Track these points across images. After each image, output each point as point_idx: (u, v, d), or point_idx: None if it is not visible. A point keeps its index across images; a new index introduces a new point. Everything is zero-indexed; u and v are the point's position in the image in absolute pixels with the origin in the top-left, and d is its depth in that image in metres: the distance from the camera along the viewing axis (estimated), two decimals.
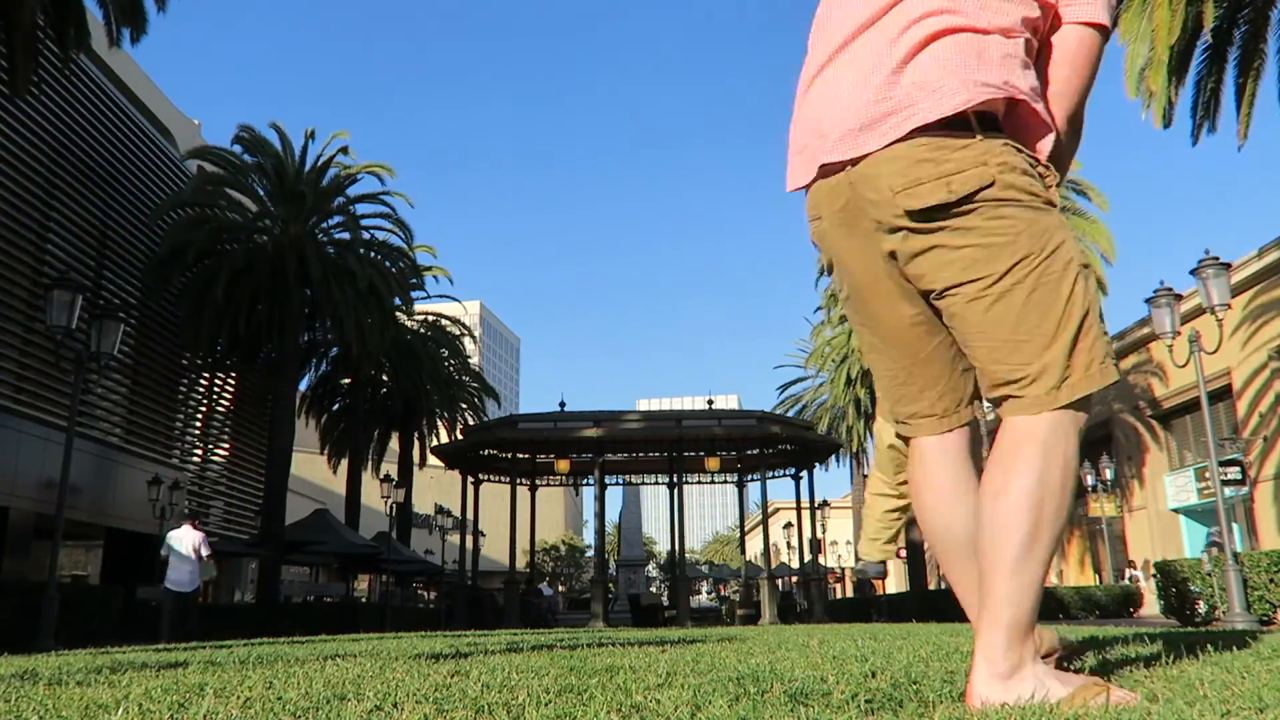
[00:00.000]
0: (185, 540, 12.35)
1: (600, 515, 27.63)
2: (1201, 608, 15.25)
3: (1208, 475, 21.84)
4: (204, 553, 12.54)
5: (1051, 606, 22.69)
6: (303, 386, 29.82)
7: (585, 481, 32.36)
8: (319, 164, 25.15)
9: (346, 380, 31.76)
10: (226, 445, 29.22)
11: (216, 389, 28.47)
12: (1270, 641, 5.75)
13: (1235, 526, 23.06)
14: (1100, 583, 27.71)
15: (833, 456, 37.58)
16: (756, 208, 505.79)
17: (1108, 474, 26.76)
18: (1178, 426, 27.65)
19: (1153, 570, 17.11)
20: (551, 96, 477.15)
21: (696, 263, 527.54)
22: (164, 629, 12.10)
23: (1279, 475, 22.43)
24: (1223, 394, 23.76)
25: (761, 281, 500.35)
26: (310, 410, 31.89)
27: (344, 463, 32.45)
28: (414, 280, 27.69)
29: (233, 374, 28.60)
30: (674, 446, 27.23)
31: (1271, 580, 13.17)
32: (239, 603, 26.55)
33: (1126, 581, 25.80)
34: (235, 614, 21.13)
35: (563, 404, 27.28)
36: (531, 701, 2.72)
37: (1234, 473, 21.81)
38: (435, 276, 32.24)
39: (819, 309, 36.63)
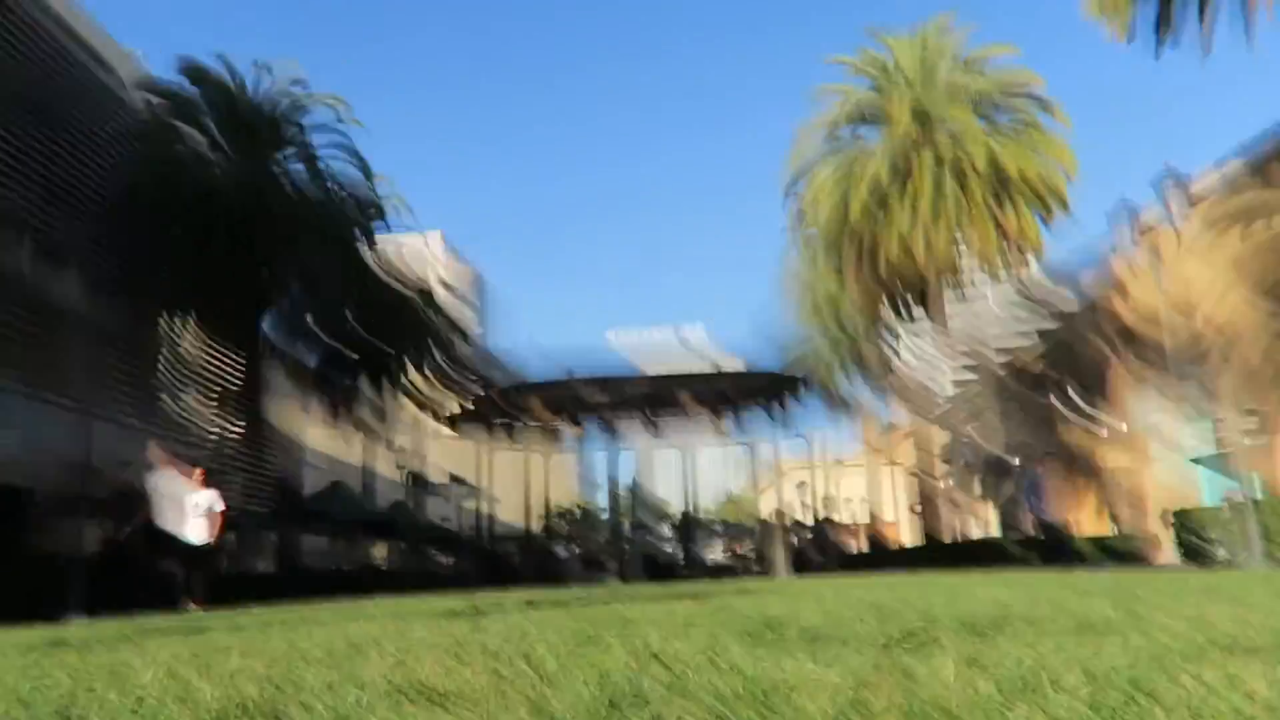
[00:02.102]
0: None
1: (613, 478, 27.79)
2: (1221, 554, 15.27)
3: (1224, 425, 21.72)
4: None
5: (1063, 553, 22.75)
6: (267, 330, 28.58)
7: (598, 447, 32.43)
8: (270, 95, 24.01)
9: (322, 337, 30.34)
10: (242, 425, 28.96)
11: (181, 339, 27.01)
12: None
13: (1254, 475, 23.01)
14: (1117, 531, 27.72)
15: (843, 410, 37.17)
16: (721, 131, 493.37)
17: (1120, 425, 26.64)
18: (1185, 374, 27.45)
19: (1171, 518, 17.11)
20: (505, 12, 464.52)
21: (659, 190, 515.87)
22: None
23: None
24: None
25: (728, 209, 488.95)
26: (315, 386, 31.34)
27: (358, 438, 32.11)
28: (374, 209, 26.56)
29: (189, 316, 27.06)
30: (667, 402, 27.18)
31: None
32: (261, 572, 26.82)
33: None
34: (258, 582, 21.38)
35: (570, 371, 27.24)
36: (550, 652, 2.75)
37: (1253, 421, 21.70)
38: (395, 205, 30.96)
39: (785, 229, 35.09)
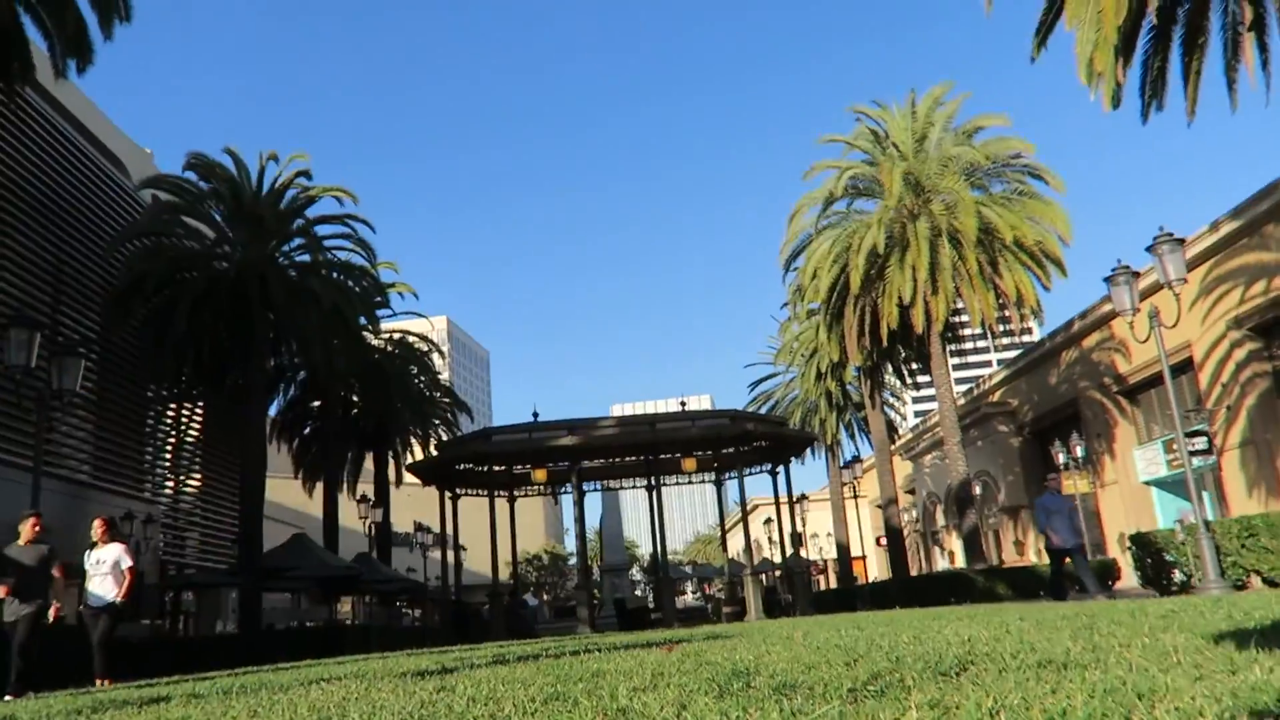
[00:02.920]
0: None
1: (580, 522, 27.59)
2: (1177, 576, 15.50)
3: (1175, 447, 22.20)
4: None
5: (1032, 585, 22.95)
6: (272, 411, 29.51)
7: (564, 490, 32.31)
8: (277, 186, 24.91)
9: (317, 403, 31.45)
10: (199, 476, 28.82)
11: (184, 419, 28.09)
12: (1243, 605, 5.87)
13: (1205, 495, 23.47)
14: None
15: (808, 449, 37.81)
16: (720, 210, 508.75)
17: (1078, 451, 27.10)
18: (1144, 401, 28.06)
19: (1128, 543, 17.37)
20: (514, 106, 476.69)
21: (663, 268, 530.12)
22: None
23: (1244, 443, 22.82)
24: (1185, 366, 24.15)
25: (728, 282, 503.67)
26: (282, 435, 31.55)
27: (319, 486, 32.15)
28: (379, 299, 27.46)
29: (200, 403, 28.23)
30: (650, 450, 27.24)
31: (1243, 546, 13.42)
32: (221, 633, 26.18)
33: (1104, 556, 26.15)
34: (218, 645, 20.88)
35: (536, 414, 27.21)
36: (517, 711, 2.73)
37: (1200, 443, 22.21)
38: (400, 293, 32.02)
39: (785, 305, 36.82)
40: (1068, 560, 14.29)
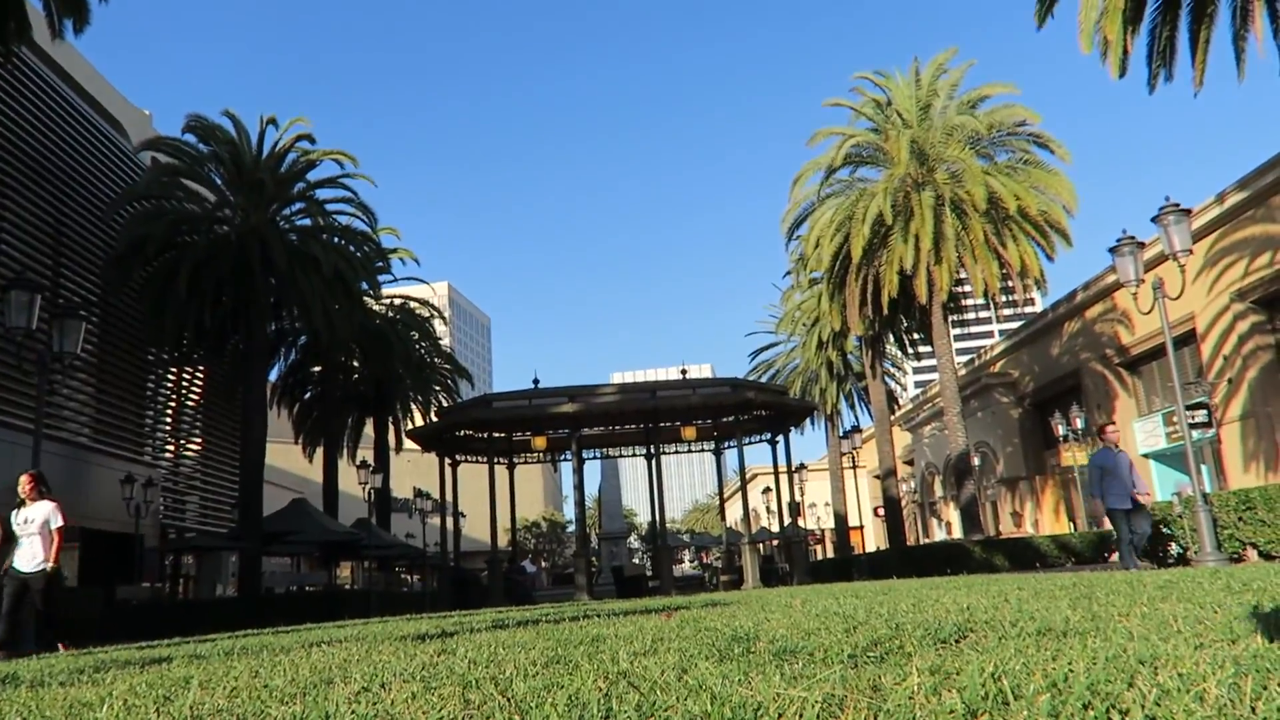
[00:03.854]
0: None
1: (579, 489, 27.66)
2: (1174, 549, 15.56)
3: (1175, 420, 22.22)
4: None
5: (1029, 556, 23.07)
6: (272, 376, 29.52)
7: (563, 457, 32.39)
8: (277, 150, 24.74)
9: (317, 368, 31.47)
10: (199, 440, 28.90)
11: (185, 383, 28.13)
12: (1240, 577, 5.88)
13: (1203, 468, 23.52)
14: (1075, 530, 28.19)
15: (808, 419, 37.87)
16: (723, 177, 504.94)
17: (1078, 423, 27.14)
18: (1145, 373, 28.06)
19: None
20: (514, 71, 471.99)
21: (665, 234, 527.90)
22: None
23: (1244, 416, 22.84)
24: (1187, 339, 24.11)
25: (730, 250, 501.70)
26: (282, 400, 31.59)
27: (319, 451, 32.24)
28: (380, 264, 27.39)
29: (200, 367, 28.24)
30: (650, 417, 27.26)
31: (1240, 519, 13.47)
32: (221, 597, 26.38)
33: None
34: (218, 608, 21.05)
35: (536, 381, 27.20)
36: (519, 674, 2.73)
37: (1200, 416, 22.20)
38: (401, 259, 31.93)
39: (787, 274, 36.70)
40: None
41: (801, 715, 1.65)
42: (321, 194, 25.36)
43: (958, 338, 36.31)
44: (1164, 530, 15.91)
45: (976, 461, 33.80)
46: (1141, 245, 14.34)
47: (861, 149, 26.94)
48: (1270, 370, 21.96)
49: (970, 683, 1.86)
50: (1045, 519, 33.57)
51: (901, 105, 26.51)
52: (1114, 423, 13.59)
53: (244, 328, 23.63)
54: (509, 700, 2.11)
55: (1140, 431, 27.90)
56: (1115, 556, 21.00)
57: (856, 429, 39.31)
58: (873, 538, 52.25)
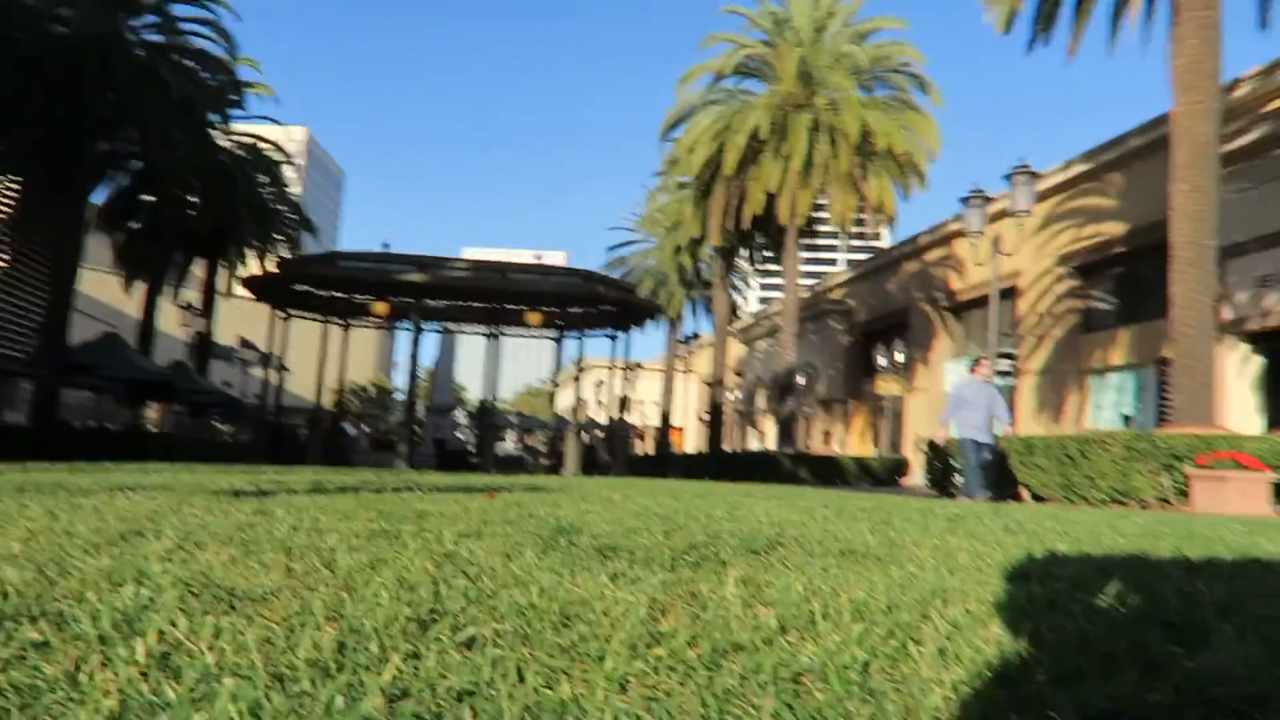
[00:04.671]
0: None
1: (414, 360, 27.24)
2: (958, 480, 17.02)
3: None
4: None
5: (832, 472, 24.62)
6: (100, 201, 27.16)
7: (401, 325, 31.67)
8: None
9: (150, 198, 29.16)
10: (6, 257, 26.41)
11: None
12: (1015, 515, 6.50)
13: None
14: (878, 454, 30.28)
15: (650, 320, 38.54)
16: (605, 74, 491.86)
17: (899, 356, 28.83)
18: (966, 319, 29.98)
19: (923, 446, 18.84)
20: None
21: (539, 117, 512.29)
22: None
23: (1043, 371, 24.89)
24: (1009, 293, 25.86)
25: (598, 142, 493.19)
26: (107, 225, 29.19)
27: (141, 287, 30.19)
28: (234, 97, 25.31)
29: (15, 180, 25.60)
30: (497, 298, 26.96)
31: (1022, 462, 14.84)
32: (12, 424, 24.62)
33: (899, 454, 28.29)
34: (4, 435, 19.67)
35: (386, 245, 26.31)
36: (344, 545, 2.71)
37: (1006, 364, 24.06)
38: (259, 95, 29.64)
39: (658, 174, 36.61)
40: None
41: (626, 617, 1.72)
42: (178, 10, 23.07)
43: (805, 261, 37.53)
44: (953, 464, 17.34)
45: (801, 381, 35.49)
46: (988, 200, 15.14)
47: (751, 61, 26.88)
48: (1074, 333, 23.93)
49: (783, 599, 1.99)
50: (853, 441, 35.84)
51: (798, 22, 26.48)
52: (986, 357, 14.39)
53: (72, 142, 21.48)
54: (334, 575, 2.09)
55: (951, 372, 29.94)
56: (908, 480, 22.69)
57: (696, 335, 40.32)
58: (693, 440, 54.29)
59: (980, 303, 27.26)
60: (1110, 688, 1.35)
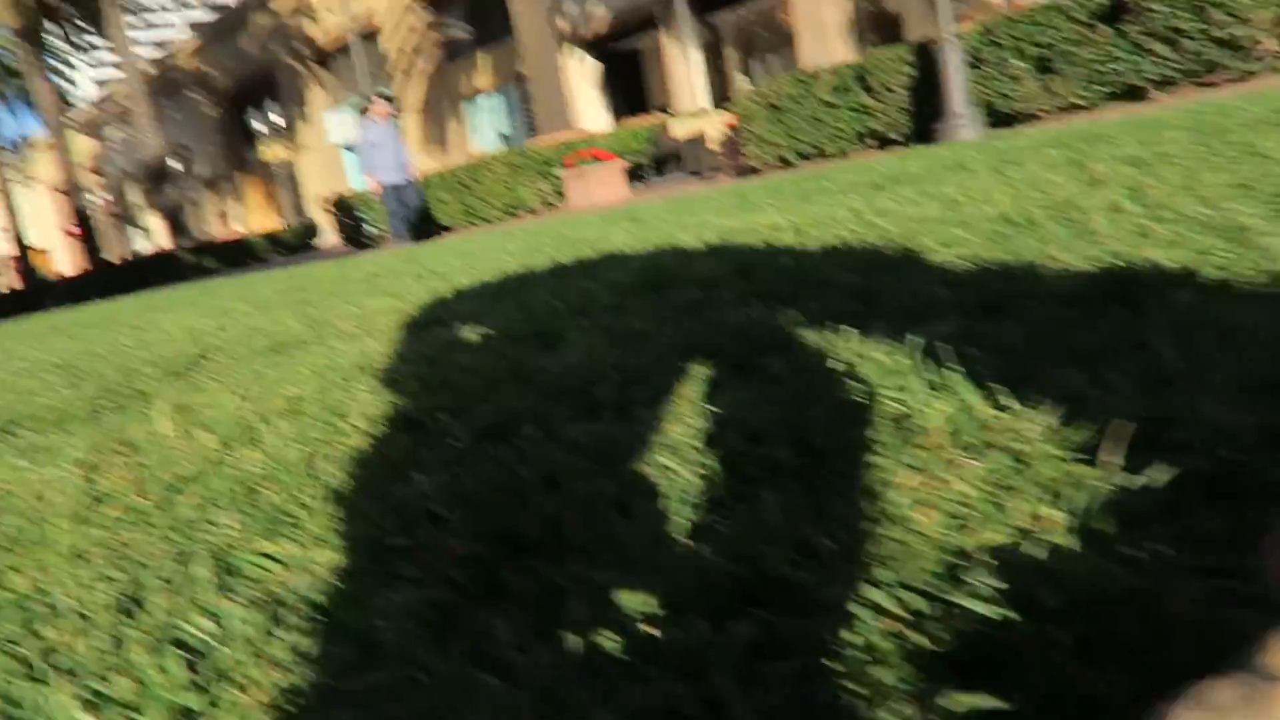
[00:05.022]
0: None
1: None
2: (368, 231, 17.48)
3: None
4: None
5: (242, 256, 23.48)
6: None
7: None
8: None
9: None
10: None
11: None
12: (425, 259, 7.00)
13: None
14: (286, 225, 29.32)
15: None
16: None
17: (277, 119, 27.41)
18: (335, 67, 29.14)
19: (328, 206, 18.71)
20: None
21: None
22: None
23: (422, 108, 25.64)
24: (372, 36, 25.53)
25: None
26: None
27: None
28: None
29: None
30: None
31: (440, 200, 15.73)
32: None
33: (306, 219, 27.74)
34: None
35: None
36: None
37: (388, 106, 24.29)
38: None
39: None
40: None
41: (62, 490, 1.68)
42: None
43: (138, 29, 32.62)
44: (360, 216, 17.64)
45: (177, 164, 32.13)
46: None
47: None
48: (441, 65, 24.77)
49: (220, 418, 2.06)
50: (254, 216, 34.08)
51: None
52: (382, 96, 14.01)
53: None
54: None
55: (332, 123, 29.41)
56: (323, 242, 22.60)
57: (25, 139, 33.64)
58: (68, 261, 46.99)
59: (345, 49, 26.62)
60: (497, 399, 1.72)
